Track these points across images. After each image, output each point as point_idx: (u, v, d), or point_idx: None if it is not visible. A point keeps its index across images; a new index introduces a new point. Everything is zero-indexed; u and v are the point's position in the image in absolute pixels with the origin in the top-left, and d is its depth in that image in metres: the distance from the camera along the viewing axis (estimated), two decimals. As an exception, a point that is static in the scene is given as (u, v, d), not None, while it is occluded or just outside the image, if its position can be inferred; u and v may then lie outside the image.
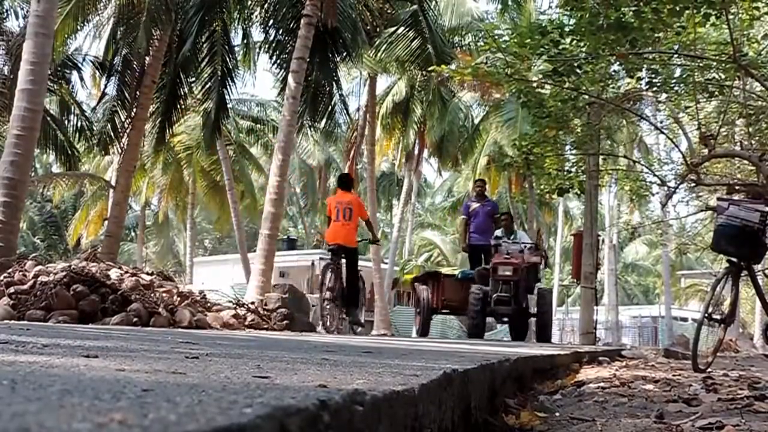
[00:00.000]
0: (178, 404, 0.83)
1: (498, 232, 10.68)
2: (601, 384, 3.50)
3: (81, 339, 2.76)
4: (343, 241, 9.08)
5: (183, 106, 17.27)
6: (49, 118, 16.74)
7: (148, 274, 8.90)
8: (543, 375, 3.81)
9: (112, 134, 16.27)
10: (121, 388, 0.99)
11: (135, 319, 7.07)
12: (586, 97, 9.71)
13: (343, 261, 9.10)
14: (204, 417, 0.74)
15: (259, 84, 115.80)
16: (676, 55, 8.80)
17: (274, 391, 1.04)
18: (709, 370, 4.65)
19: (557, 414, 2.51)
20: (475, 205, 11.34)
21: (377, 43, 18.06)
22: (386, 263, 24.91)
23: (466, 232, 11.27)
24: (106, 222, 16.92)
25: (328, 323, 9.26)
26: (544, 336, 10.54)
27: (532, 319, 10.88)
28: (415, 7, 16.87)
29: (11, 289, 7.14)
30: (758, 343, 19.48)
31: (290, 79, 12.31)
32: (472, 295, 9.87)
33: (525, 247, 10.29)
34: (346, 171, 25.20)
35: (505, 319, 10.87)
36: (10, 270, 7.66)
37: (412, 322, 24.59)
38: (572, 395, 3.13)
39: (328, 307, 9.17)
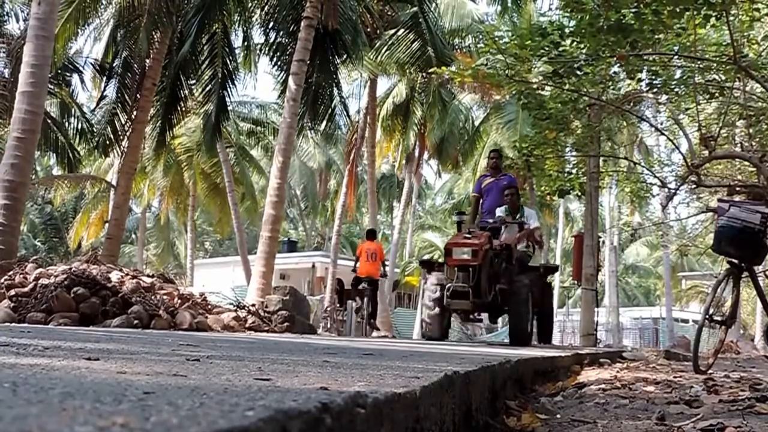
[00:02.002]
0: (179, 407, 0.83)
1: (500, 210, 8.88)
2: (602, 386, 3.50)
3: (82, 341, 2.76)
4: (371, 275, 13.61)
5: (183, 109, 17.28)
6: (49, 121, 16.76)
7: (148, 276, 8.90)
8: (544, 377, 3.81)
9: (112, 137, 16.28)
10: (122, 390, 0.99)
11: (136, 322, 7.07)
12: (587, 98, 9.71)
13: (369, 287, 13.55)
14: (206, 420, 0.74)
15: (259, 86, 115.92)
16: (676, 57, 8.80)
17: (276, 394, 1.04)
18: (710, 371, 4.64)
19: (558, 416, 2.51)
20: (488, 180, 9.47)
21: (377, 45, 18.08)
22: (387, 265, 24.88)
23: (476, 213, 9.38)
24: (106, 224, 16.93)
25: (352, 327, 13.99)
26: (517, 336, 7.77)
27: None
28: (415, 9, 16.88)
29: (12, 292, 7.15)
30: (759, 345, 19.48)
31: (290, 82, 12.33)
32: (427, 288, 8.00)
33: (504, 225, 8.46)
34: (346, 173, 25.25)
35: (481, 315, 8.66)
36: (10, 272, 7.67)
37: (412, 323, 24.60)
38: (573, 397, 3.12)
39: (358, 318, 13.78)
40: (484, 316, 9.15)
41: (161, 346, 2.79)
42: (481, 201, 9.40)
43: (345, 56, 15.30)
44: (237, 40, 18.16)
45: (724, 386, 3.35)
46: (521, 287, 7.71)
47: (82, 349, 2.19)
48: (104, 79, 16.91)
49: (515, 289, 7.68)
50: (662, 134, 12.43)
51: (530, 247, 8.79)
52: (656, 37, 7.98)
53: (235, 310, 9.33)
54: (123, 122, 16.14)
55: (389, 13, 18.54)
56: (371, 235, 14.68)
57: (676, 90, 9.43)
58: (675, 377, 4.21)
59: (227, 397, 0.97)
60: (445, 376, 1.67)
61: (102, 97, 17.18)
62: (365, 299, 13.58)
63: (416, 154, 26.42)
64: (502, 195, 8.97)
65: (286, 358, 2.39)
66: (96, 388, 1.00)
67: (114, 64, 16.23)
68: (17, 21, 19.08)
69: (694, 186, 9.89)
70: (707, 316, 4.78)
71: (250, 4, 16.28)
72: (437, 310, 7.78)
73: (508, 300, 7.73)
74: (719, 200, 5.37)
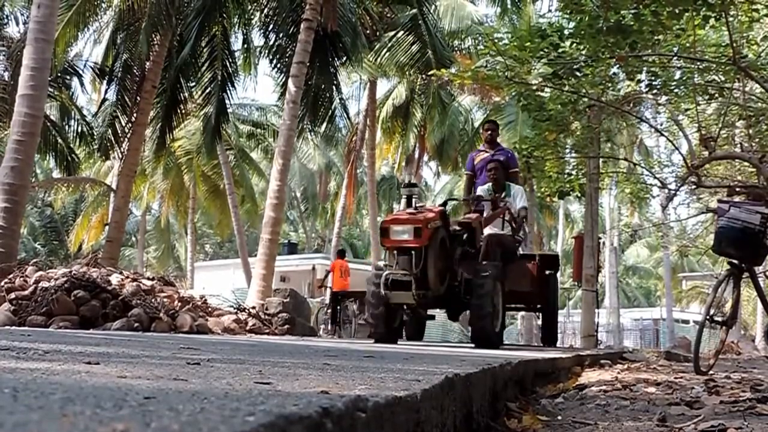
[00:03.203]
0: (180, 412, 0.83)
1: (481, 190, 7.52)
2: (603, 387, 3.50)
3: (82, 345, 2.76)
4: (344, 288, 15.72)
5: (183, 111, 17.30)
6: (49, 124, 16.76)
7: (148, 279, 8.90)
8: (545, 378, 3.81)
9: (112, 139, 16.28)
10: (123, 395, 0.99)
11: (136, 325, 7.07)
12: (586, 100, 9.71)
13: (346, 299, 15.46)
14: (207, 425, 0.74)
15: (259, 88, 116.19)
16: (675, 58, 8.81)
17: (277, 398, 1.04)
18: (711, 372, 4.64)
19: (559, 417, 2.51)
20: (481, 156, 8.00)
21: (377, 47, 18.10)
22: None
23: (469, 193, 8.01)
24: (107, 227, 16.93)
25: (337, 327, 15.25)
26: (478, 337, 6.16)
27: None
28: (414, 11, 16.90)
29: (12, 295, 7.15)
30: (760, 345, 19.46)
31: (290, 84, 12.34)
32: (370, 281, 6.32)
33: (477, 203, 7.10)
34: (346, 175, 25.27)
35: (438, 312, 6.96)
36: (11, 275, 7.67)
37: (413, 325, 24.55)
38: (574, 398, 3.12)
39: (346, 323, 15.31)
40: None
41: (162, 350, 2.79)
42: (475, 180, 8.04)
43: (345, 58, 15.31)
44: (237, 42, 18.21)
45: (725, 387, 3.35)
46: (485, 277, 6.09)
47: (82, 353, 2.19)
48: (104, 82, 16.93)
49: (477, 279, 6.13)
50: (662, 135, 12.43)
51: (518, 232, 7.26)
52: (656, 38, 7.98)
53: (236, 313, 9.32)
54: (123, 125, 16.14)
55: (389, 15, 18.56)
56: (341, 254, 17.34)
57: (675, 91, 9.43)
58: (676, 378, 4.21)
59: (228, 402, 0.96)
60: (445, 378, 1.67)
61: (103, 101, 17.20)
62: (346, 309, 15.42)
63: (416, 155, 26.44)
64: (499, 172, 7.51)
65: (286, 361, 2.39)
66: (96, 393, 1.00)
67: (114, 67, 16.23)
68: (17, 24, 19.08)
69: (694, 187, 9.89)
70: (708, 317, 4.78)
71: (249, 7, 16.30)
72: (378, 303, 6.17)
73: (469, 293, 6.22)
74: (719, 201, 5.37)
